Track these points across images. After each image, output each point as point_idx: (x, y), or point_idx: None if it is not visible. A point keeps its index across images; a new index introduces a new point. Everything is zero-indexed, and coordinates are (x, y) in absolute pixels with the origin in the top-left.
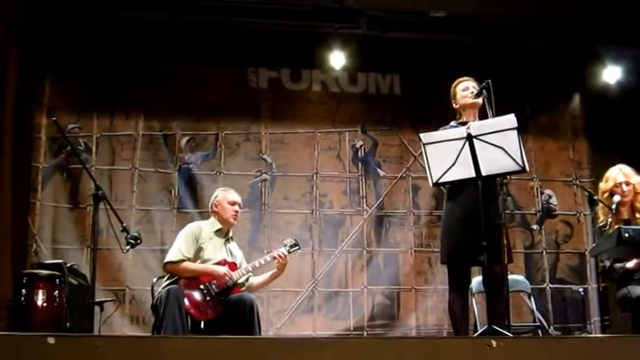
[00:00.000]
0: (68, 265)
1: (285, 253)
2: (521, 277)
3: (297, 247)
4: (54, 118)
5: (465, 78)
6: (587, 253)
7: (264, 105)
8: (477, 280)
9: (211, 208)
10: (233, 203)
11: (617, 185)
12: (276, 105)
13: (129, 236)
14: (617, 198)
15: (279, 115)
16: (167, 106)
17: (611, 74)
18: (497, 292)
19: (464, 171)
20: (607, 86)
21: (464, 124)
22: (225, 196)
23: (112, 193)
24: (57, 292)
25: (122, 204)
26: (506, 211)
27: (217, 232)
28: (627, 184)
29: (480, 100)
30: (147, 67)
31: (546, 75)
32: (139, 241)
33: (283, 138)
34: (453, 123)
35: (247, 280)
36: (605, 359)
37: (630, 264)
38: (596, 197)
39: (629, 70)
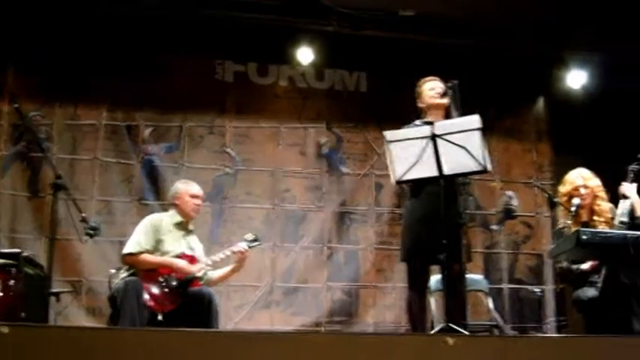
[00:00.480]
0: (25, 254)
1: (246, 248)
2: (479, 277)
3: (257, 243)
4: (16, 105)
5: (431, 77)
6: (545, 254)
7: (229, 98)
8: (435, 279)
9: (172, 200)
10: (194, 196)
11: (576, 188)
12: (241, 99)
13: (88, 227)
14: (576, 201)
15: (244, 109)
16: (131, 97)
17: (576, 79)
18: (455, 290)
19: (426, 170)
20: (571, 91)
21: (429, 123)
22: (186, 189)
23: (73, 182)
24: (12, 281)
25: (83, 194)
26: (467, 211)
27: (177, 225)
28: (585, 187)
29: (445, 101)
30: (112, 57)
31: (512, 78)
32: (97, 232)
33: (248, 132)
34: (417, 122)
35: (206, 274)
36: (559, 358)
37: (585, 266)
38: (556, 199)
39: (593, 75)
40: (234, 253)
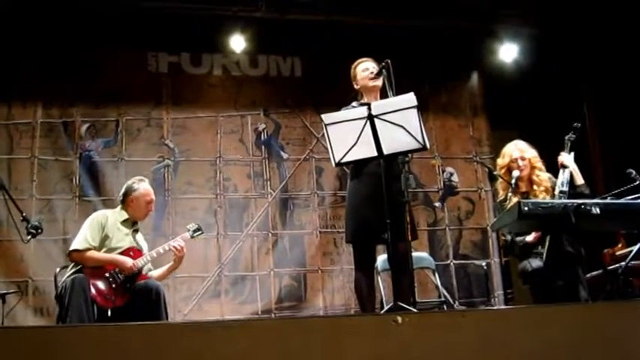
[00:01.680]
0: None
1: (182, 244)
2: (425, 254)
3: (199, 232)
4: None
5: (364, 59)
6: (489, 228)
7: (165, 90)
8: (382, 259)
9: (124, 198)
10: (150, 202)
11: (513, 161)
12: (177, 90)
13: (29, 226)
14: (516, 173)
15: (180, 100)
16: (66, 93)
17: (508, 52)
18: (402, 269)
19: (366, 150)
20: (504, 65)
21: (365, 104)
22: (144, 192)
23: (11, 182)
24: None
25: (22, 193)
26: (409, 190)
27: (124, 222)
28: (522, 158)
29: (379, 82)
30: (44, 53)
31: (445, 54)
32: (40, 231)
33: (185, 123)
34: (354, 104)
35: (150, 269)
36: (508, 330)
37: (530, 237)
38: (495, 173)
39: (525, 48)
40: (170, 249)
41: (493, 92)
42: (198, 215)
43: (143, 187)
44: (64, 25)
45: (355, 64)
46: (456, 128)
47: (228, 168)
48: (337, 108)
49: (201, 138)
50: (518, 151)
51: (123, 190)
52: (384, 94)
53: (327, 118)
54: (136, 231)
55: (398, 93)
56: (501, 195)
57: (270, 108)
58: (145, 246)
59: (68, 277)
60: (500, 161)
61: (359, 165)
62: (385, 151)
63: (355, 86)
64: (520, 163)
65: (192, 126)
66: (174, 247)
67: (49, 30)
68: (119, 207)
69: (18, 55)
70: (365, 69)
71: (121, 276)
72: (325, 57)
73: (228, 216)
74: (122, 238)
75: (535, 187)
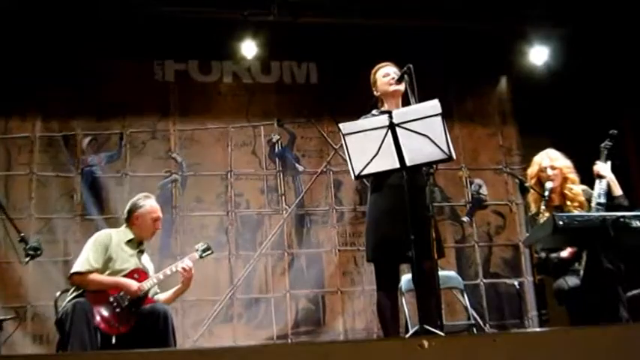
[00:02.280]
0: None
1: (190, 265)
2: (452, 273)
3: (209, 252)
4: None
5: (385, 63)
6: (521, 244)
7: (171, 100)
8: (406, 278)
9: (129, 216)
10: (157, 219)
11: (542, 169)
12: (184, 99)
13: (28, 247)
14: (549, 184)
15: (188, 111)
16: (67, 105)
17: (539, 55)
18: (428, 289)
19: (387, 162)
20: (534, 68)
21: (386, 112)
22: (150, 210)
23: (9, 200)
24: None
25: (20, 212)
26: (435, 203)
27: (129, 243)
28: (552, 168)
29: (401, 87)
30: (43, 64)
31: (471, 57)
32: (39, 252)
33: (193, 135)
34: (374, 112)
35: (155, 292)
36: (543, 354)
37: (565, 253)
38: (527, 184)
39: (556, 50)
40: (178, 271)
41: (523, 98)
42: (208, 234)
43: (149, 203)
44: (63, 33)
45: (375, 69)
46: (484, 137)
47: (239, 183)
48: (356, 117)
49: (210, 151)
50: (549, 159)
51: (127, 208)
52: (406, 101)
53: (345, 127)
54: (141, 252)
55: (421, 100)
56: (533, 208)
57: (284, 118)
58: (151, 267)
59: (69, 301)
60: (529, 171)
61: (380, 178)
62: (408, 163)
63: (375, 93)
64: (549, 172)
65: (201, 138)
66: (182, 268)
67: (47, 37)
68: (123, 226)
69: (16, 64)
70: (385, 74)
71: (125, 300)
72: (343, 62)
73: (240, 234)
74: (127, 260)
75: (568, 202)
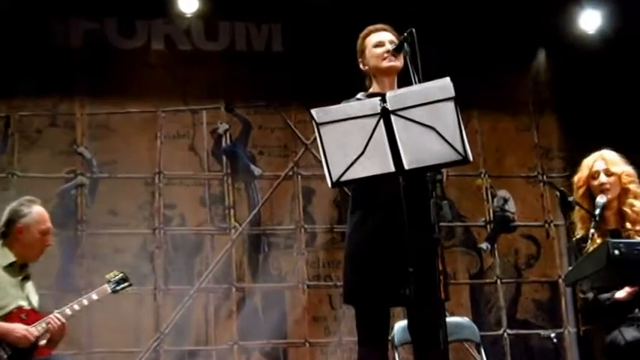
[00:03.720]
0: None
1: (62, 321)
2: (466, 320)
3: (126, 284)
4: None
5: (377, 27)
6: (560, 280)
7: (78, 73)
8: (400, 327)
9: (8, 229)
10: (46, 232)
11: (594, 176)
12: (97, 72)
13: None
14: (602, 199)
15: (101, 88)
16: None
17: (590, 21)
18: (430, 343)
19: (377, 164)
20: (584, 39)
21: (377, 95)
22: (38, 218)
23: None
24: None
25: None
26: (443, 223)
27: (9, 268)
28: (608, 173)
29: (399, 62)
30: None
31: (497, 24)
32: None
33: (108, 121)
34: (360, 94)
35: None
36: None
37: (621, 293)
38: (571, 198)
39: (614, 14)
40: (48, 324)
41: (568, 79)
42: (125, 259)
43: (36, 211)
44: None
45: (364, 33)
46: (513, 132)
47: (172, 189)
48: (336, 100)
49: (132, 144)
50: (603, 162)
51: (5, 218)
52: (405, 81)
53: (319, 114)
54: (26, 278)
55: (426, 79)
56: (579, 232)
57: (235, 100)
58: (35, 300)
59: None
60: (576, 179)
61: (367, 186)
62: (407, 166)
63: (362, 67)
64: (603, 179)
65: (119, 126)
66: (51, 320)
67: None
68: (0, 243)
69: None
70: (378, 43)
71: (6, 351)
72: (318, 23)
73: (171, 261)
74: (7, 293)
75: (628, 224)
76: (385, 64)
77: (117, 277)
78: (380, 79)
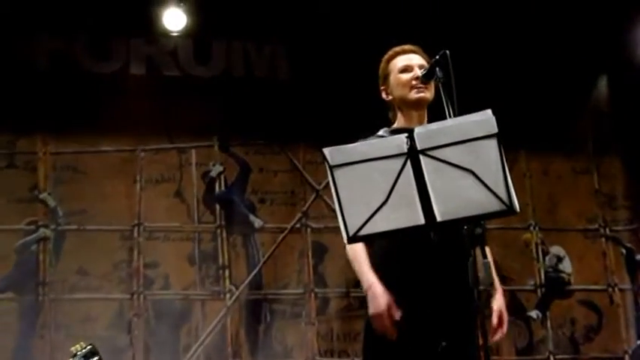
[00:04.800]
0: None
1: None
2: None
3: (95, 359)
4: None
5: (404, 47)
6: (628, 357)
7: (42, 102)
8: None
9: None
10: None
11: None
12: (64, 102)
13: None
14: None
15: (69, 121)
16: None
17: None
18: None
19: (404, 215)
20: None
21: (403, 131)
22: None
23: None
24: None
25: None
26: (482, 287)
27: None
28: None
29: (429, 93)
30: None
31: (549, 46)
32: None
33: (77, 162)
34: (382, 131)
35: None
36: None
37: None
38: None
39: None
40: None
41: (635, 112)
42: (97, 331)
43: None
44: None
45: (387, 56)
46: (569, 176)
47: (154, 245)
48: (353, 138)
49: (106, 190)
50: None
51: None
52: (436, 114)
53: (333, 154)
54: None
55: (463, 112)
56: None
57: (231, 136)
58: None
59: None
60: None
61: (391, 243)
62: (440, 217)
63: (385, 97)
64: None
65: (91, 168)
66: None
67: None
68: None
69: None
70: (406, 67)
71: None
72: (333, 44)
73: (153, 332)
74: None
75: None
76: (414, 95)
77: (84, 351)
78: (407, 112)
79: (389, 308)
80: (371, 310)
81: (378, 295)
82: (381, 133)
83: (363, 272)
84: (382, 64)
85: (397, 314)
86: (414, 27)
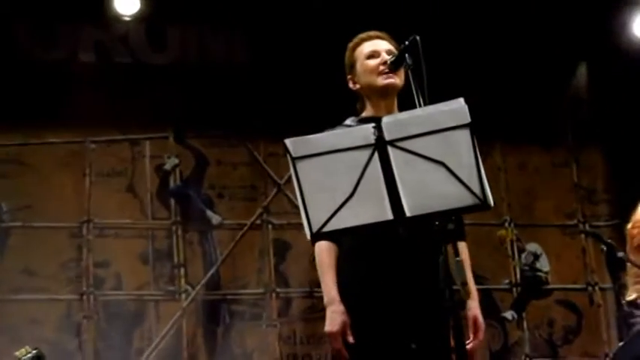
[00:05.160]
0: None
1: None
2: None
3: None
4: None
5: (371, 33)
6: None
7: None
8: None
9: None
10: None
11: None
12: (6, 91)
13: None
14: None
15: (12, 112)
16: None
17: None
18: None
19: (371, 209)
20: (638, 48)
21: (371, 120)
22: None
23: None
24: None
25: None
26: (455, 286)
27: None
28: None
29: (398, 80)
30: None
31: (525, 30)
32: None
33: (21, 155)
34: (349, 120)
35: None
36: None
37: None
38: (621, 254)
39: None
40: None
41: (616, 102)
42: (44, 333)
43: None
44: None
45: (353, 43)
46: (546, 168)
47: (104, 242)
48: (317, 128)
49: (53, 184)
50: None
51: None
52: (406, 104)
53: (296, 146)
54: None
55: (434, 100)
56: (632, 294)
57: (187, 127)
58: None
59: None
60: (629, 229)
61: (357, 239)
62: (409, 212)
63: (352, 87)
64: None
65: (36, 161)
66: None
67: None
68: None
69: None
70: (373, 53)
71: None
72: (295, 27)
73: (104, 336)
74: None
75: None
76: (381, 81)
77: (30, 355)
78: (375, 101)
79: (344, 331)
80: (327, 327)
81: (335, 314)
82: (348, 122)
83: (325, 283)
84: (348, 52)
85: (350, 338)
86: (381, 10)
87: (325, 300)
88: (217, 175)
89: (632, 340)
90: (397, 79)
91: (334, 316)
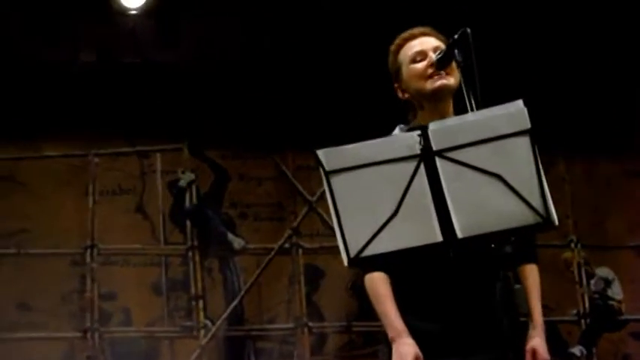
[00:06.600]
0: None
1: None
2: None
3: None
4: None
5: (413, 31)
6: None
7: None
8: None
9: None
10: None
11: None
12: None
13: None
14: None
15: (5, 119)
16: None
17: None
18: None
19: (416, 230)
20: None
21: (418, 128)
22: None
23: None
24: None
25: None
26: (520, 318)
27: None
28: None
29: (453, 80)
30: None
31: (592, 26)
32: None
33: (16, 171)
34: (397, 129)
35: None
36: None
37: None
38: None
39: None
40: None
41: None
42: None
43: None
44: None
45: (394, 46)
46: (619, 180)
47: (110, 270)
48: (355, 137)
49: (51, 205)
50: None
51: None
52: (460, 106)
53: (330, 157)
54: None
55: (488, 104)
56: None
57: (204, 138)
58: None
59: None
60: None
61: (403, 264)
62: (460, 233)
63: (402, 97)
64: None
65: (33, 178)
66: None
67: None
68: None
69: None
70: (417, 54)
71: None
72: (332, 22)
73: None
74: None
75: None
76: (431, 85)
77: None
78: (427, 107)
79: None
80: None
81: (407, 346)
82: (396, 131)
83: (386, 315)
84: (390, 58)
85: None
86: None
87: (391, 333)
88: (239, 192)
89: None
90: (451, 79)
91: (406, 349)
